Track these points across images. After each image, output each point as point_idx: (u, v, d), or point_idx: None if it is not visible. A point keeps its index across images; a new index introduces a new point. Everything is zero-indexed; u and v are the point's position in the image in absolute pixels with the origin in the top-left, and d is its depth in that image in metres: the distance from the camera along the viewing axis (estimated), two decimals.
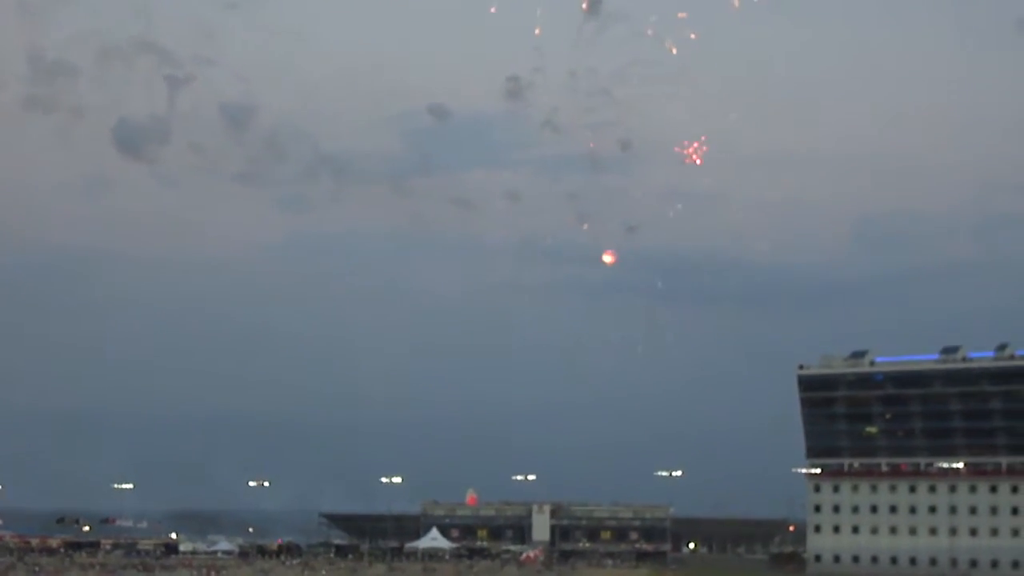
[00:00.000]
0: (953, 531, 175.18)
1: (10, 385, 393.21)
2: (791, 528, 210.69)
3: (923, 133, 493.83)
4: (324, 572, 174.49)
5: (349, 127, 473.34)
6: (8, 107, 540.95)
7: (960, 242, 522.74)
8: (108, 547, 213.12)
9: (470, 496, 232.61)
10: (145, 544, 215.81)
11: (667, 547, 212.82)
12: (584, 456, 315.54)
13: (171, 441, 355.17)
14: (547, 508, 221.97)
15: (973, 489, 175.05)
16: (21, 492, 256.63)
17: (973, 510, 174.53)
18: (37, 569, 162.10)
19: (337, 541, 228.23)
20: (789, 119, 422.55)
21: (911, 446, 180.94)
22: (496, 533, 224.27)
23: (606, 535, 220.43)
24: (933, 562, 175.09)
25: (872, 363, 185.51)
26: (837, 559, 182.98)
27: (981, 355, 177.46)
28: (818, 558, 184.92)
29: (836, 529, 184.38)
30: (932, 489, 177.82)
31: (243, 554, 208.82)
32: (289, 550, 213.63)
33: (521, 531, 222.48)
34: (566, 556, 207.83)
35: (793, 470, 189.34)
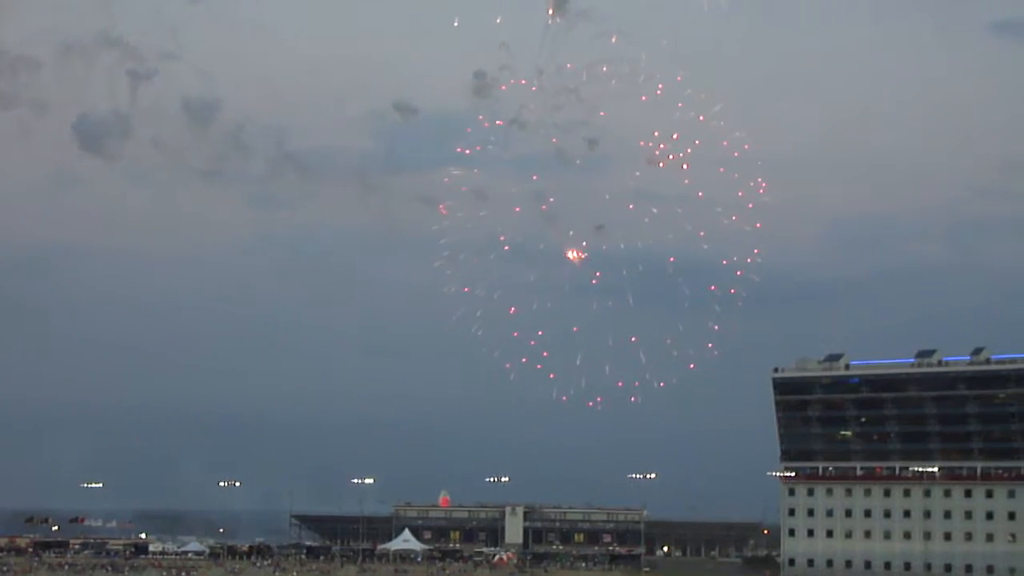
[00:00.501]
0: (928, 536, 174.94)
1: None
2: (765, 532, 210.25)
3: (898, 136, 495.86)
4: (295, 574, 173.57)
5: (315, 123, 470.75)
6: None
7: (935, 245, 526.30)
8: (77, 547, 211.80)
9: (443, 498, 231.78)
10: (115, 544, 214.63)
11: (641, 550, 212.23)
12: (558, 458, 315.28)
13: (140, 440, 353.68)
14: (520, 510, 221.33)
15: (948, 493, 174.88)
16: None
17: (948, 515, 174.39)
18: (5, 569, 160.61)
19: (308, 542, 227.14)
20: (762, 120, 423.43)
21: (886, 450, 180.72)
22: (469, 535, 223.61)
23: (579, 538, 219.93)
24: (907, 567, 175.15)
25: (847, 366, 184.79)
26: (811, 563, 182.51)
27: (956, 359, 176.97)
28: (792, 562, 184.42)
29: (810, 533, 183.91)
30: (907, 493, 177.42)
31: (213, 555, 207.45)
32: (260, 551, 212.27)
33: (494, 533, 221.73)
34: (539, 559, 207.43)
35: (768, 473, 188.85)
